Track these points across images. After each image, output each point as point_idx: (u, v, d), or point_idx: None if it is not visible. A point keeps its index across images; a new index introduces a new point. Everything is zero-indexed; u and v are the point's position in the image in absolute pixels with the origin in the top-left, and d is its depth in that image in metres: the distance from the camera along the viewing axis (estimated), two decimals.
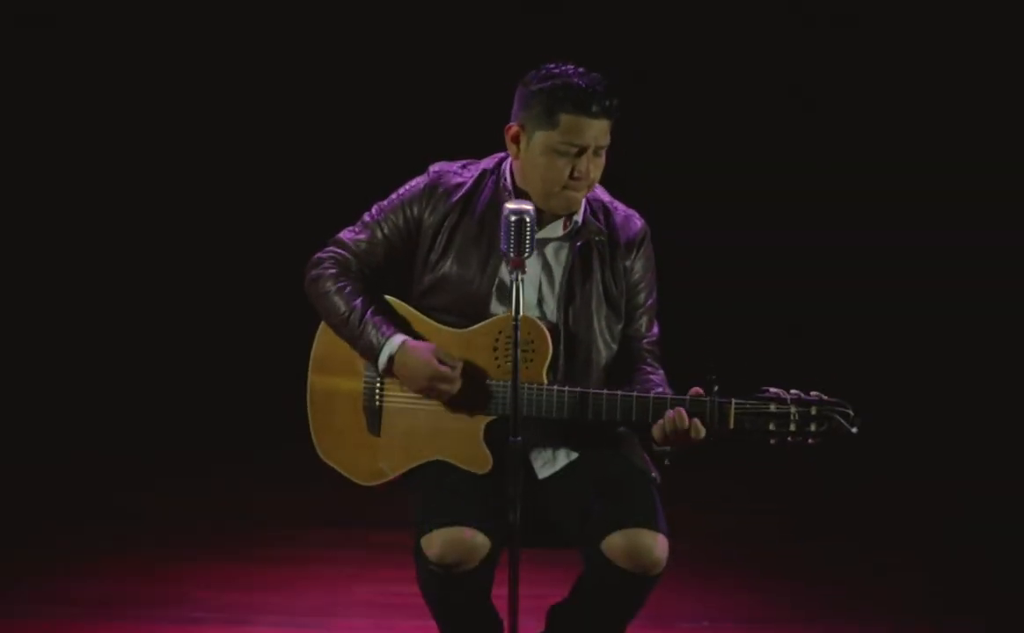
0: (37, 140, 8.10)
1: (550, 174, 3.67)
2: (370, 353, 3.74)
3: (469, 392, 3.72)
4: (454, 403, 3.73)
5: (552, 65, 3.70)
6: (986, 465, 7.52)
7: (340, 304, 3.78)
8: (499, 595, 3.65)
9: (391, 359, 3.72)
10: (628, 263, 3.83)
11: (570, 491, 3.75)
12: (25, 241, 8.17)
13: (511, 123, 3.72)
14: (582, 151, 3.65)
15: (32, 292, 8.16)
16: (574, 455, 3.81)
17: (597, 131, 3.65)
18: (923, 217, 8.13)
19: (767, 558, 6.06)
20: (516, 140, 3.72)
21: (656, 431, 3.63)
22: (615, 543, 3.60)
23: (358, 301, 3.77)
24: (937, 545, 6.34)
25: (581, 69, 3.68)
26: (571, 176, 3.67)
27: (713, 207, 8.13)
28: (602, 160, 3.71)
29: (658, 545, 3.60)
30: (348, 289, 3.78)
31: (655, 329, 3.89)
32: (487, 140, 3.88)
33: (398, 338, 3.73)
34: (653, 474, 3.79)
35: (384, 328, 3.73)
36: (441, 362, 3.69)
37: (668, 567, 3.62)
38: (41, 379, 8.08)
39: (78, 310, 8.21)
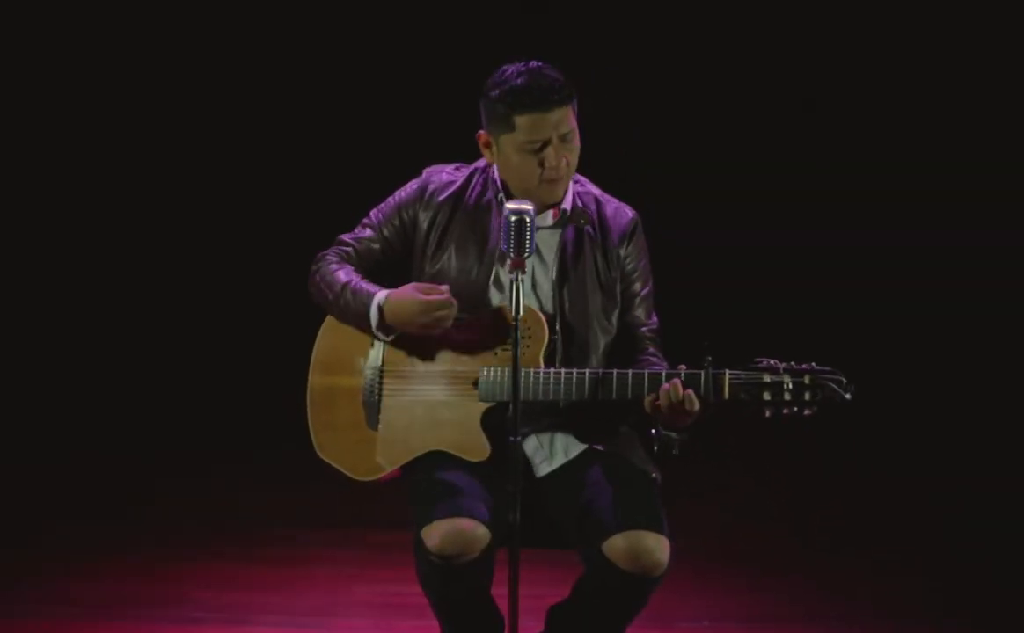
0: (37, 140, 8.09)
1: (523, 172, 3.75)
2: (362, 317, 3.79)
3: (467, 380, 3.74)
4: (452, 392, 3.75)
5: (506, 66, 3.78)
6: (986, 462, 7.52)
7: (333, 282, 3.83)
8: (499, 594, 3.65)
9: (380, 311, 3.75)
10: (621, 251, 3.88)
11: (569, 490, 3.76)
12: (25, 241, 8.16)
13: (480, 131, 3.82)
14: (545, 144, 3.72)
15: (32, 292, 8.15)
16: (573, 454, 3.83)
17: (554, 121, 3.72)
18: (923, 217, 8.13)
19: (767, 557, 6.06)
20: (488, 147, 3.82)
21: (649, 404, 3.64)
22: (616, 545, 3.60)
23: (350, 277, 3.82)
24: (937, 543, 6.34)
25: (529, 65, 3.75)
26: (541, 168, 3.74)
27: (712, 207, 8.13)
28: (574, 144, 3.78)
29: (660, 547, 3.61)
30: (341, 270, 3.84)
31: (654, 318, 3.93)
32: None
33: (381, 293, 3.77)
34: (653, 475, 3.80)
35: (366, 287, 3.78)
36: (427, 293, 3.73)
37: (670, 569, 3.62)
38: (41, 379, 8.08)
39: (78, 310, 8.21)
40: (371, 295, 3.77)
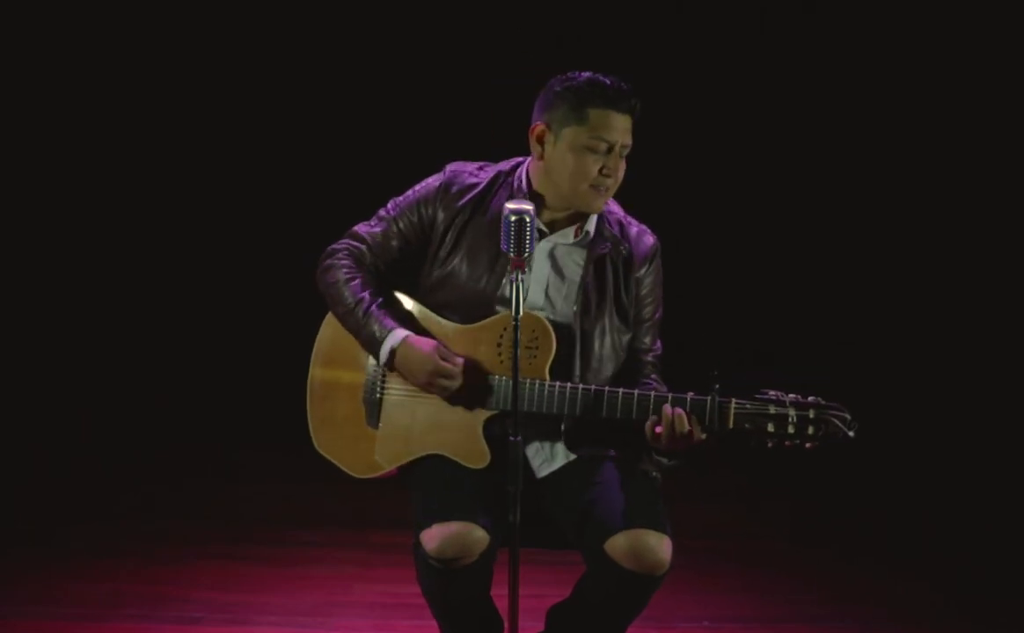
0: (37, 139, 8.09)
1: (579, 170, 3.72)
2: (372, 345, 3.77)
3: (471, 386, 3.74)
4: (455, 397, 3.75)
5: (574, 71, 3.76)
6: (986, 465, 7.51)
7: (347, 294, 3.81)
8: (499, 595, 3.65)
9: (392, 352, 3.74)
10: (639, 275, 3.87)
11: (569, 490, 3.76)
12: (24, 245, 8.16)
13: (535, 123, 3.76)
14: (610, 147, 3.71)
15: (33, 292, 8.16)
16: (573, 455, 3.82)
17: (623, 127, 3.71)
18: (922, 217, 8.13)
19: (767, 558, 6.06)
20: (541, 140, 3.77)
21: (649, 433, 3.64)
22: (619, 544, 3.61)
23: (365, 293, 3.80)
24: (938, 545, 6.34)
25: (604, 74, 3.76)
26: (600, 172, 3.72)
27: (713, 208, 8.14)
28: (624, 164, 3.76)
29: (663, 546, 3.61)
30: (357, 280, 3.82)
31: (658, 344, 3.94)
32: (488, 143, 3.90)
33: (400, 333, 3.75)
34: (654, 474, 3.81)
35: (387, 321, 3.76)
36: (443, 359, 3.71)
37: (671, 568, 3.62)
38: (41, 379, 8.08)
39: (78, 310, 8.21)
40: (388, 330, 3.75)
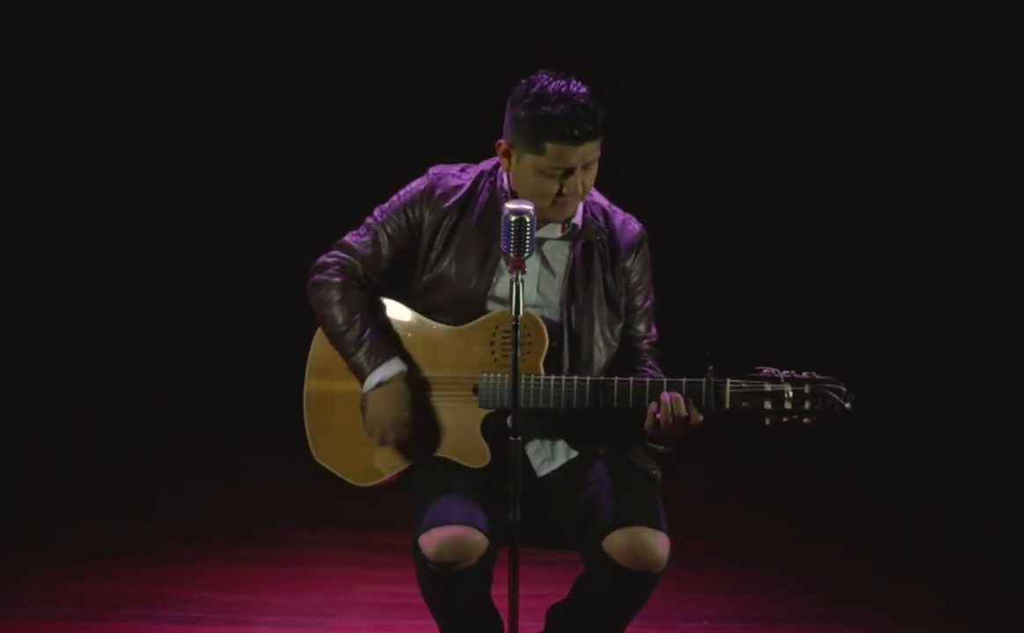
0: (37, 140, 8.08)
1: (539, 191, 3.70)
2: (359, 373, 3.76)
3: (466, 386, 3.73)
4: (451, 398, 3.74)
5: (540, 80, 3.69)
6: (988, 468, 7.50)
7: (339, 316, 3.79)
8: (499, 595, 3.65)
9: (381, 384, 3.73)
10: (627, 264, 3.86)
11: (569, 489, 3.76)
12: (24, 245, 8.15)
13: (501, 140, 3.75)
14: (569, 172, 3.68)
15: (33, 292, 8.15)
16: (573, 453, 3.83)
17: (582, 153, 3.67)
18: (922, 216, 8.13)
19: (767, 558, 6.06)
20: (507, 155, 3.76)
21: (649, 420, 3.64)
22: (616, 541, 3.61)
23: (356, 317, 3.78)
24: (940, 548, 6.33)
25: (566, 87, 3.66)
26: (559, 194, 3.70)
27: (712, 209, 8.13)
28: (594, 169, 3.74)
29: (659, 544, 3.61)
30: (348, 301, 3.79)
31: (654, 330, 3.93)
32: (485, 143, 3.89)
33: (395, 367, 3.74)
34: (653, 472, 3.81)
35: (371, 358, 3.74)
36: (402, 424, 3.73)
37: (669, 566, 3.62)
38: (41, 379, 8.07)
39: (78, 310, 8.21)
40: (369, 371, 3.73)
